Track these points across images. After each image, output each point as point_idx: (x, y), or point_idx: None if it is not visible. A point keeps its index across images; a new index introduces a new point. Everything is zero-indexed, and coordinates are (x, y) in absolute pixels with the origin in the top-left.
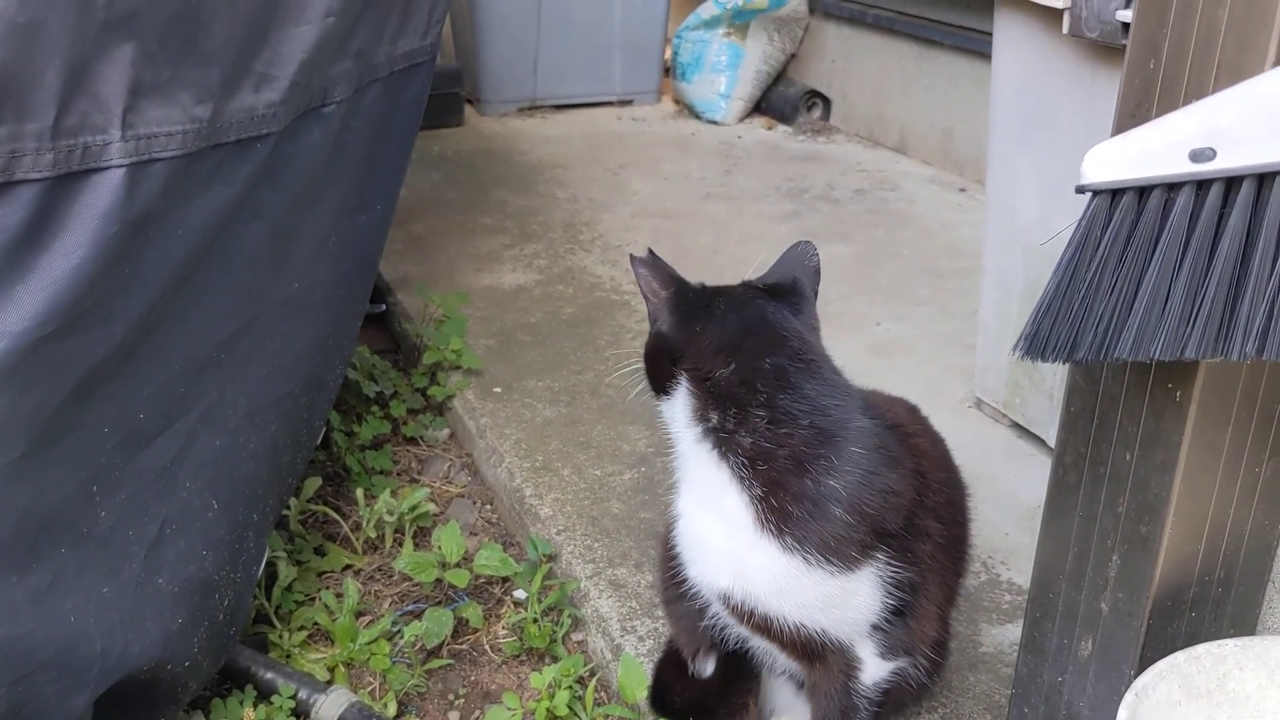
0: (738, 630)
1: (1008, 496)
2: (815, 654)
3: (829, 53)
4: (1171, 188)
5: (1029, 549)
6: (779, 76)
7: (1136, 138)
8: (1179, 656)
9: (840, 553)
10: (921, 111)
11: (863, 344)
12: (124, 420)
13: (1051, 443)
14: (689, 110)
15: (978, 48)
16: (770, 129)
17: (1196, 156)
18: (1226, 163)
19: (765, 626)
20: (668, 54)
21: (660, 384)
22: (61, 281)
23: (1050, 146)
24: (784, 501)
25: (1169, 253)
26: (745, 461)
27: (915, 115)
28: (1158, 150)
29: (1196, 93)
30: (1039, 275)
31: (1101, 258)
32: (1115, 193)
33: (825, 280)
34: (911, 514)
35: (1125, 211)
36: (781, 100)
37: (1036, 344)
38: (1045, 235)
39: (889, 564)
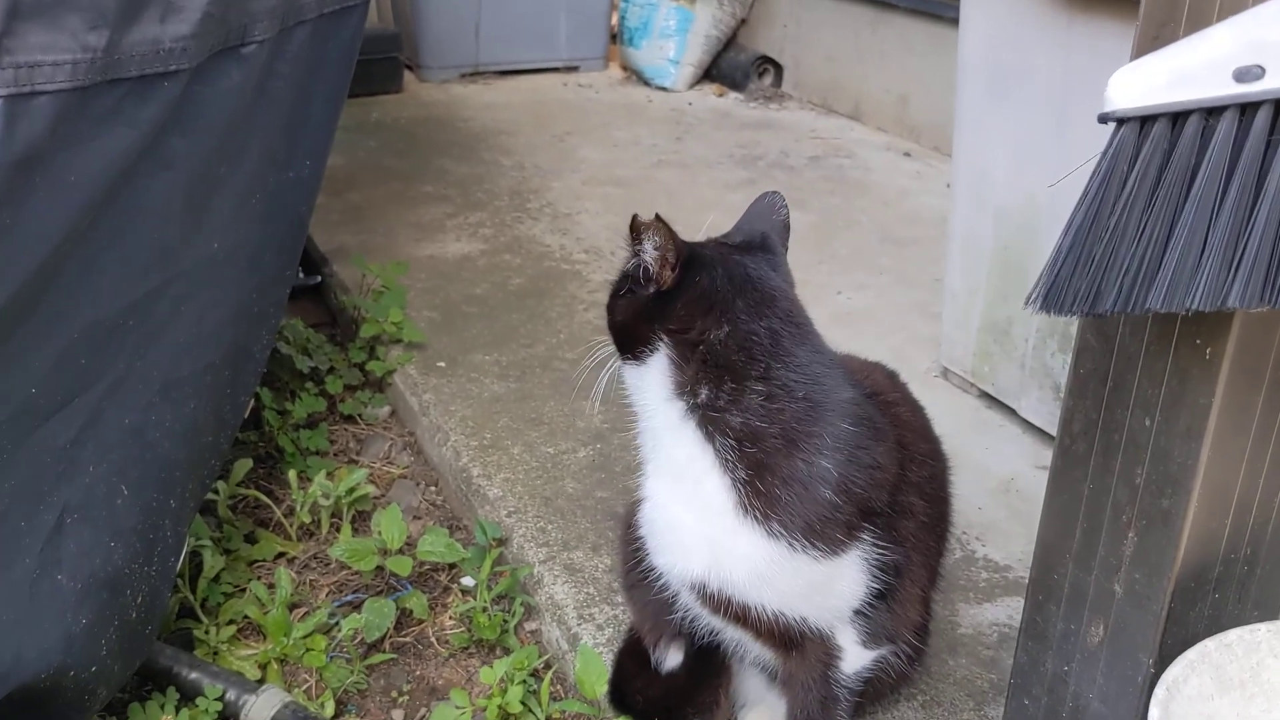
0: (709, 621)
1: (979, 469)
2: (793, 643)
3: (780, 18)
4: (1211, 112)
5: (1004, 523)
6: (729, 42)
7: (1169, 56)
8: (1209, 644)
9: (826, 536)
10: (876, 78)
11: (825, 313)
12: (13, 395)
13: (1022, 412)
14: (637, 76)
15: (935, 10)
16: (721, 96)
17: (1241, 75)
18: (1278, 81)
19: (742, 616)
20: (615, 19)
21: (632, 348)
22: None
23: (1022, 103)
24: (771, 485)
25: (1209, 187)
26: (733, 443)
27: (870, 81)
28: (1195, 70)
29: (1232, 7)
30: (1010, 238)
31: (1129, 196)
32: (1145, 120)
33: None
34: (895, 490)
35: (1157, 141)
36: (732, 66)
37: (1054, 295)
38: (1017, 196)
39: (875, 545)
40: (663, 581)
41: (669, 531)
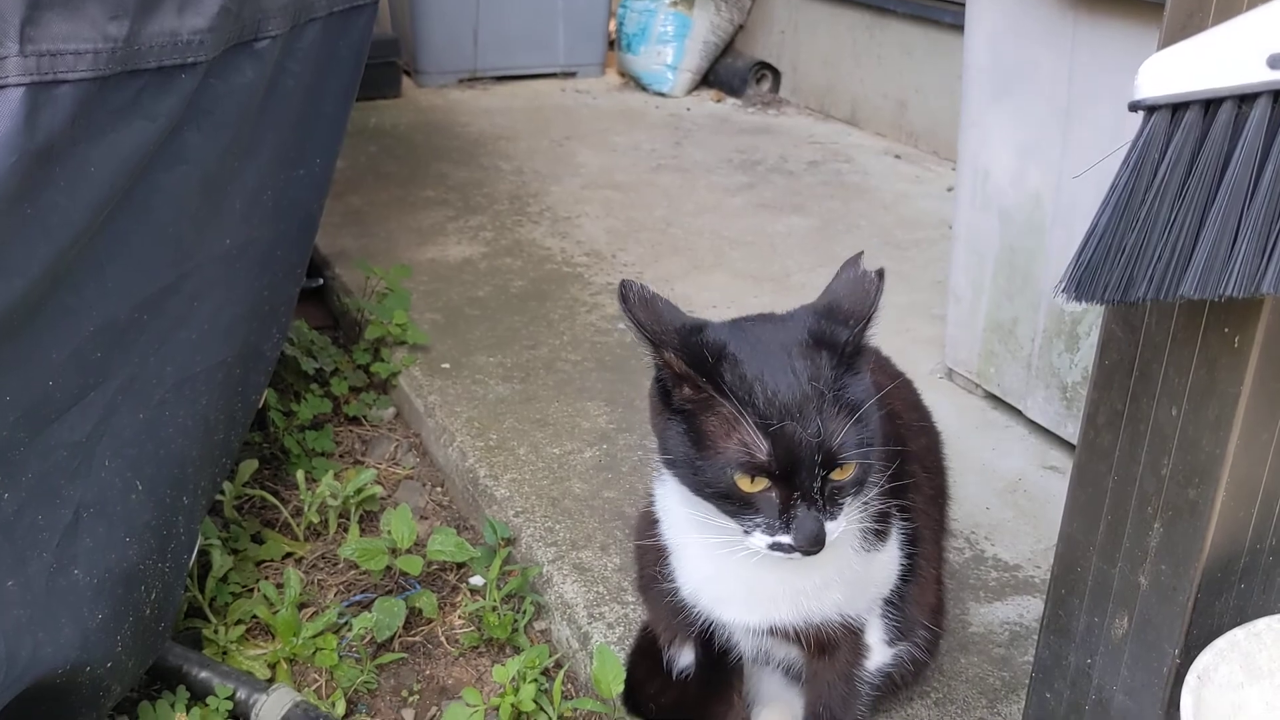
0: (756, 642)
1: (986, 470)
2: (830, 646)
3: (777, 23)
4: (1244, 100)
5: (1012, 523)
6: (727, 48)
7: (1201, 44)
8: (1239, 633)
9: (880, 531)
10: (874, 82)
11: None
12: (28, 390)
13: (1028, 413)
14: (635, 82)
15: (932, 15)
16: (719, 101)
17: (1275, 62)
18: None
19: (806, 636)
20: (613, 25)
21: None
22: None
23: (1027, 103)
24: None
25: (1242, 174)
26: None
27: (867, 86)
28: (1228, 57)
29: None
30: (1015, 239)
31: (1160, 184)
32: (1176, 108)
33: (785, 251)
34: (901, 462)
35: (1189, 129)
36: (730, 72)
37: (1085, 284)
38: (1022, 196)
39: (901, 519)
40: (713, 626)
41: (744, 589)
